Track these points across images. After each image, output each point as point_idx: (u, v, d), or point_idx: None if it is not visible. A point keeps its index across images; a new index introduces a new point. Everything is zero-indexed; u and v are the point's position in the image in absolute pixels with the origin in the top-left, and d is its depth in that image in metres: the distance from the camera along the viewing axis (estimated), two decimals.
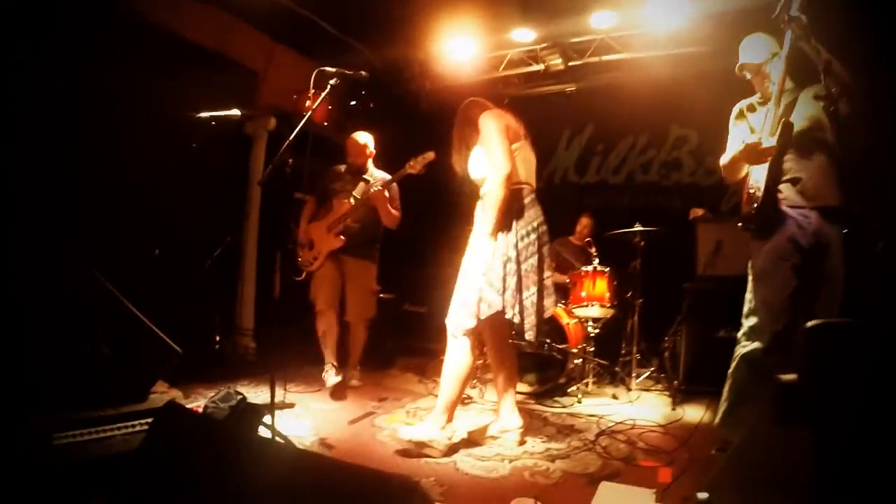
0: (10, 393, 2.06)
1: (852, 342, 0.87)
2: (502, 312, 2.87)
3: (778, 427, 1.00)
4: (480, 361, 4.16)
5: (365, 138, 4.32)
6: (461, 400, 3.94)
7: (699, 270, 4.68)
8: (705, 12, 4.93)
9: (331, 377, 4.06)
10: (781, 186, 2.66)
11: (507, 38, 5.84)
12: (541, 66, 5.97)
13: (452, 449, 2.93)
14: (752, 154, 2.65)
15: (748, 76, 2.85)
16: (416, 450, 2.88)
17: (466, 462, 2.80)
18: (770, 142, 2.57)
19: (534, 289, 2.95)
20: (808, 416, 0.84)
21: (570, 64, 5.90)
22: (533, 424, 3.51)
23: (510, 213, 2.96)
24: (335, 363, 4.17)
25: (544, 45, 5.83)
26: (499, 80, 6.34)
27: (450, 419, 2.98)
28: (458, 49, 5.93)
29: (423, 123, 6.62)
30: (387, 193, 4.06)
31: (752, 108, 2.89)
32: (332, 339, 4.20)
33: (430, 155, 3.83)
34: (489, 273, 2.89)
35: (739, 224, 2.79)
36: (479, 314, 2.88)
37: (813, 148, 2.59)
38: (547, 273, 3.05)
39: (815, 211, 2.60)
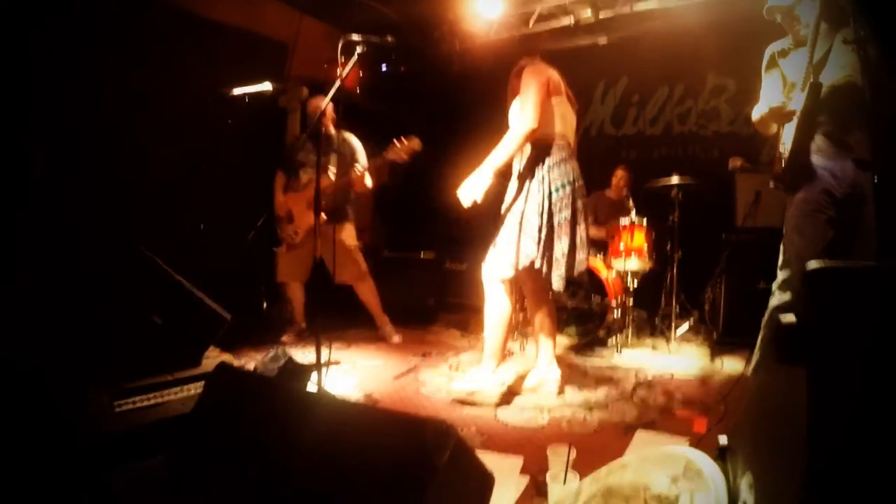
0: (73, 365, 2.22)
1: (853, 285, 0.92)
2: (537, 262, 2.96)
3: (780, 369, 1.06)
4: (521, 315, 4.27)
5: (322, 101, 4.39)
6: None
7: (739, 222, 4.63)
8: None
9: (290, 336, 4.56)
10: (816, 138, 2.62)
11: None
12: (570, 20, 5.84)
13: (505, 397, 3.06)
14: (778, 117, 2.63)
15: (778, 19, 2.76)
16: (469, 400, 3.01)
17: (506, 412, 2.91)
18: (800, 98, 2.53)
19: (566, 240, 3.00)
20: (804, 356, 0.89)
21: (601, 16, 5.75)
22: (572, 376, 3.59)
23: (542, 164, 3.01)
24: (303, 324, 4.64)
25: None
26: (529, 35, 6.20)
27: (499, 363, 3.11)
28: (486, 7, 5.84)
29: (457, 84, 6.63)
30: (360, 168, 4.17)
31: (783, 54, 2.82)
32: (298, 306, 4.61)
33: (417, 143, 3.82)
34: (526, 224, 2.97)
35: (771, 184, 2.79)
36: (518, 264, 2.97)
37: (848, 97, 2.52)
38: (582, 227, 3.09)
39: (850, 161, 2.56)
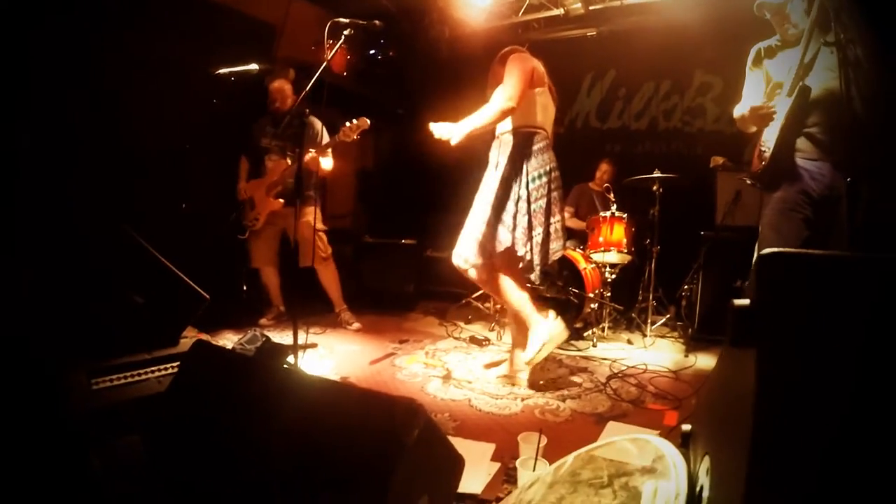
0: (52, 342, 2.21)
1: (802, 271, 0.95)
2: (512, 249, 2.98)
3: (734, 353, 1.10)
4: (499, 305, 4.30)
5: (283, 84, 4.41)
6: (480, 342, 4.12)
7: (718, 219, 4.69)
8: None
9: (268, 319, 4.61)
10: (797, 140, 2.66)
11: None
12: (560, 11, 5.85)
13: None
14: (757, 118, 2.67)
15: (767, 16, 2.79)
16: (543, 358, 3.09)
17: (481, 399, 2.94)
18: (785, 100, 2.57)
19: (540, 229, 3.02)
20: (754, 338, 0.93)
21: (591, 8, 5.76)
22: (547, 366, 3.62)
23: (521, 153, 3.04)
24: (281, 307, 4.71)
25: None
26: (519, 24, 6.24)
27: (543, 314, 3.10)
28: None
29: (446, 70, 6.60)
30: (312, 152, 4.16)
31: (770, 53, 2.85)
32: (273, 290, 4.67)
33: (365, 122, 3.81)
34: (501, 211, 3.00)
35: (748, 180, 2.83)
36: (494, 251, 3.01)
37: (831, 100, 2.56)
38: (556, 217, 3.11)
39: (829, 164, 2.60)
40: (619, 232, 4.51)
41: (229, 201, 4.58)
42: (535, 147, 3.04)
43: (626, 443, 1.39)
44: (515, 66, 3.00)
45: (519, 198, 2.99)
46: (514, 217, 2.98)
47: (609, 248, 4.50)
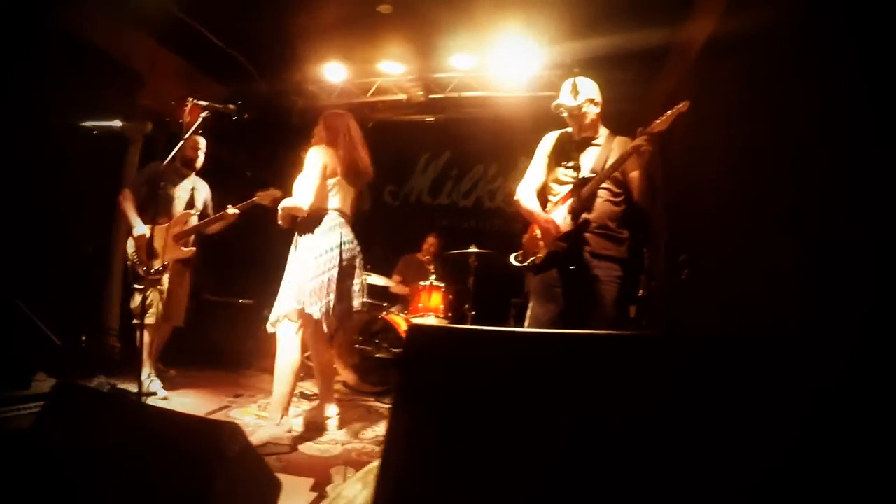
0: None
1: (422, 336, 1.52)
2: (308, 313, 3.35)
3: None
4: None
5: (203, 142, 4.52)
6: (308, 397, 4.46)
7: (526, 289, 5.45)
8: (555, 62, 5.64)
9: (159, 388, 4.18)
10: None
11: (376, 68, 6.31)
12: (404, 96, 6.54)
13: (296, 440, 3.37)
14: (547, 238, 3.24)
15: (564, 114, 3.17)
16: (265, 450, 3.15)
17: (306, 445, 3.34)
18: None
19: (332, 296, 3.39)
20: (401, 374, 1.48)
21: (431, 97, 6.50)
22: (370, 417, 4.09)
23: (312, 231, 3.46)
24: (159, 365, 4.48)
25: (410, 77, 6.40)
26: (366, 104, 6.80)
27: (285, 413, 3.39)
28: (331, 72, 6.32)
29: (294, 138, 6.98)
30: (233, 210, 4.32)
31: (563, 147, 3.35)
32: (159, 345, 4.37)
33: (279, 193, 3.91)
34: (303, 280, 3.38)
35: (518, 262, 3.49)
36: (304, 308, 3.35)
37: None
38: (356, 280, 3.59)
39: (588, 252, 3.17)
40: (436, 299, 5.15)
41: (74, 248, 4.55)
42: (325, 227, 3.47)
43: None
44: (312, 164, 3.45)
45: (314, 267, 3.38)
46: (311, 283, 3.35)
47: (427, 314, 5.10)
